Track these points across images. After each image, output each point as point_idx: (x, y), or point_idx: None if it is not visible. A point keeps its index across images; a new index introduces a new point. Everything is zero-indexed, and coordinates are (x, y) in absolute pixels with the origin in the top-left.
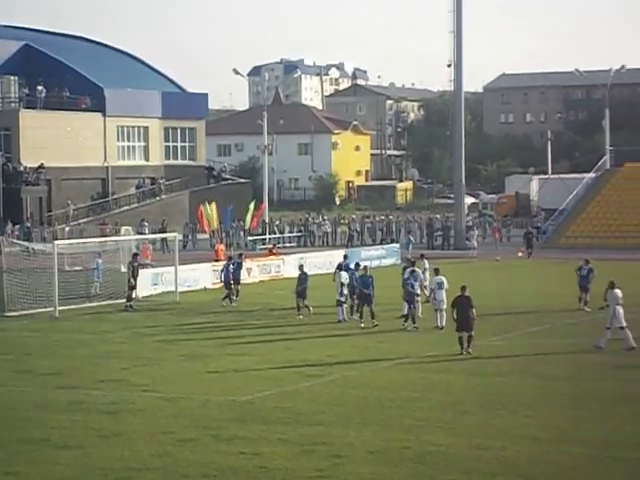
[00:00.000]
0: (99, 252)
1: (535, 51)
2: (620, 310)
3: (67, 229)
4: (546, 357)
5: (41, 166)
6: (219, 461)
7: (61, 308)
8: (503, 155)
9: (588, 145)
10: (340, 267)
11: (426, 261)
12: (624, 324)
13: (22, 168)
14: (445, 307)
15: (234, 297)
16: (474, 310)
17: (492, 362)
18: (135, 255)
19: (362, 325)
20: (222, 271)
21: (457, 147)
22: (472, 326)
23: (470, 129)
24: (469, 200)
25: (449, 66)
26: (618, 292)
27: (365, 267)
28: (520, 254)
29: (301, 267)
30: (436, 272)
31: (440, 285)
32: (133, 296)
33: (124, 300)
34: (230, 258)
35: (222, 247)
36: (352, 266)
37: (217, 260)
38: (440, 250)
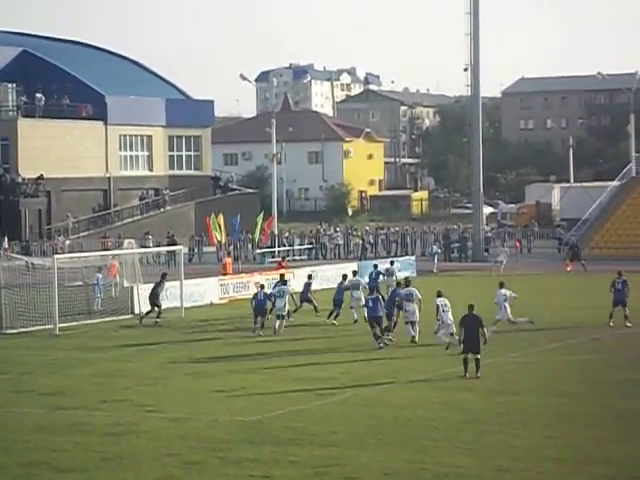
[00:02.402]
0: (100, 267)
1: (556, 54)
2: (508, 307)
3: (67, 243)
4: (567, 374)
5: (40, 177)
6: None
7: (61, 325)
8: (523, 163)
9: (612, 152)
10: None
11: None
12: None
13: (20, 179)
14: (417, 319)
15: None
16: (485, 329)
17: (511, 380)
18: (164, 275)
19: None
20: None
21: (475, 154)
22: (479, 348)
23: (488, 136)
24: (487, 210)
25: (466, 70)
26: (503, 291)
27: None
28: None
29: (262, 286)
30: (406, 284)
31: (409, 297)
32: (151, 314)
33: (128, 316)
34: (310, 276)
35: (230, 261)
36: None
37: (225, 274)
38: (458, 262)
